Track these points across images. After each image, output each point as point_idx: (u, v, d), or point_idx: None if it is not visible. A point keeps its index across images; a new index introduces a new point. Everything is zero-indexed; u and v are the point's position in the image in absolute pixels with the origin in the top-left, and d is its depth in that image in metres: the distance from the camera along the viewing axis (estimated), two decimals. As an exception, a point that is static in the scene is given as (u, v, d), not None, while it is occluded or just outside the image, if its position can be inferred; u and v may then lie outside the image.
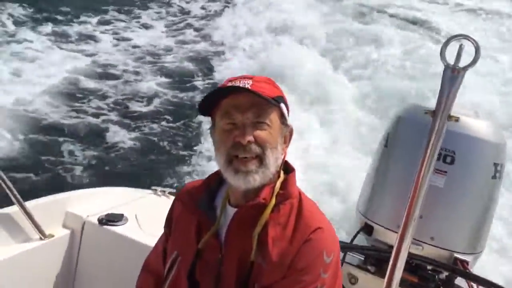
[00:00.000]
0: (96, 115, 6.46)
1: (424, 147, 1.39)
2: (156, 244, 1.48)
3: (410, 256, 1.53)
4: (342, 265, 1.92)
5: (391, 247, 1.98)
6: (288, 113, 1.31)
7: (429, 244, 1.94)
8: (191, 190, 1.38)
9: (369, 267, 2.08)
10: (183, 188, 1.44)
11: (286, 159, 1.35)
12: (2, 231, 1.89)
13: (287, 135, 1.31)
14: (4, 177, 1.85)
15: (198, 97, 7.17)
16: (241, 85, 1.22)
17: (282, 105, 1.27)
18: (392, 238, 1.99)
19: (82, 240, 2.10)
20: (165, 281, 1.33)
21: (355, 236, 2.19)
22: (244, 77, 1.26)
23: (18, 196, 1.88)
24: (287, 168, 1.35)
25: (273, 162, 1.24)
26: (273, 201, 1.26)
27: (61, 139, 5.83)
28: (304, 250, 1.22)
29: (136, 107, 6.92)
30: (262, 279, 1.22)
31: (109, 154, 5.73)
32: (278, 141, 1.26)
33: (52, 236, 2.03)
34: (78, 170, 5.29)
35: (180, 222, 1.37)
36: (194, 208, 1.32)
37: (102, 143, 5.92)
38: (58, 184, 4.91)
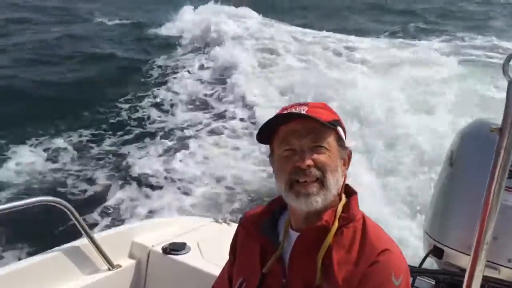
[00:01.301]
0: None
1: (492, 165, 1.32)
2: (222, 272, 1.49)
3: (486, 279, 1.44)
4: (412, 289, 1.83)
5: (464, 270, 1.88)
6: (345, 135, 1.31)
7: (506, 267, 1.82)
8: (253, 216, 1.38)
9: (440, 292, 1.97)
10: (245, 214, 1.45)
11: (346, 182, 1.33)
12: (72, 262, 1.96)
13: (346, 158, 1.30)
14: (73, 209, 1.94)
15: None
16: (297, 111, 1.24)
17: (339, 128, 1.28)
18: (465, 261, 1.87)
19: (148, 269, 2.15)
20: None
21: (424, 260, 2.09)
22: (300, 104, 1.27)
23: (87, 228, 1.96)
24: (349, 191, 1.33)
25: (334, 184, 1.24)
26: (336, 224, 1.24)
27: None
28: (372, 272, 1.19)
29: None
30: None
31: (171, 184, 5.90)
32: (338, 164, 1.26)
33: (120, 266, 2.09)
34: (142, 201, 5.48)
35: (244, 249, 1.38)
36: (258, 234, 1.33)
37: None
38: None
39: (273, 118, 1.25)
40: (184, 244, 2.17)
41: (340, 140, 1.28)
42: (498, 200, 1.36)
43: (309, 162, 1.21)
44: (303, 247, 1.25)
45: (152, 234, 2.27)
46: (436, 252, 2.03)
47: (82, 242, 2.00)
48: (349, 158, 1.31)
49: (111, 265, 2.05)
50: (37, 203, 1.88)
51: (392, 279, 1.18)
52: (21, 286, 1.78)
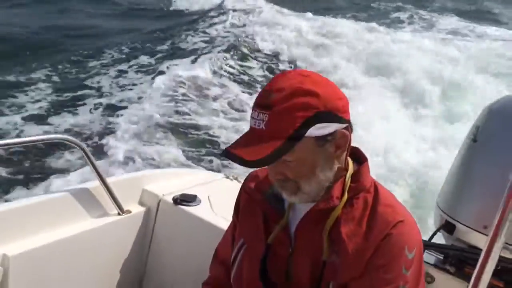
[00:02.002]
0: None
1: None
2: (226, 233, 1.48)
3: (501, 259, 1.42)
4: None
5: (474, 247, 1.87)
6: (338, 115, 1.15)
7: None
8: (258, 181, 1.35)
9: (448, 267, 1.97)
10: (250, 176, 1.41)
11: (358, 147, 1.29)
12: (82, 204, 1.97)
13: (338, 143, 1.17)
14: (87, 149, 1.92)
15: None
16: (255, 125, 1.12)
17: (312, 130, 1.11)
18: (476, 239, 1.86)
19: (157, 217, 2.16)
20: (232, 267, 1.33)
21: (434, 234, 2.07)
22: (263, 109, 1.11)
23: (99, 170, 1.95)
24: (359, 157, 1.28)
25: (313, 187, 1.18)
26: (345, 196, 1.20)
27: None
28: (384, 246, 1.16)
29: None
30: (337, 277, 1.18)
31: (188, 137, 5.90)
32: (318, 165, 1.16)
33: (129, 212, 2.09)
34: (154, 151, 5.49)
35: (247, 212, 1.35)
36: (261, 201, 1.30)
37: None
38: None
39: (224, 152, 1.16)
40: (195, 196, 2.17)
41: (318, 140, 1.14)
42: (526, 180, 1.32)
43: (278, 176, 1.18)
44: (310, 220, 1.21)
45: (163, 183, 2.27)
46: (448, 227, 2.01)
47: (93, 184, 2.00)
48: (344, 138, 1.18)
49: (121, 210, 2.06)
50: (50, 140, 1.87)
51: (405, 253, 1.16)
52: (29, 223, 1.79)
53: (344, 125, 1.16)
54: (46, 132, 5.50)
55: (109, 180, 2.02)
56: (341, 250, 1.18)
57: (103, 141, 5.63)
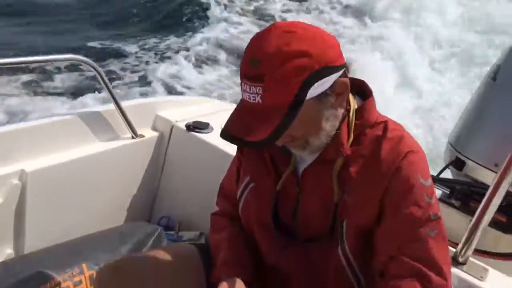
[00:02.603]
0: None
1: None
2: (229, 169, 1.46)
3: (508, 193, 1.44)
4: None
5: (483, 183, 1.89)
6: (337, 67, 1.06)
7: None
8: None
9: (453, 202, 2.01)
10: None
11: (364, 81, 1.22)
12: (98, 126, 2.00)
13: (338, 92, 1.09)
14: (102, 72, 1.92)
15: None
16: (250, 99, 1.03)
17: (310, 91, 1.03)
18: (484, 176, 1.88)
19: (169, 143, 2.19)
20: (239, 203, 1.33)
21: (443, 170, 2.10)
22: (255, 78, 1.01)
23: (114, 93, 1.96)
24: (364, 91, 1.21)
25: (322, 139, 1.13)
26: (352, 135, 1.15)
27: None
28: (397, 179, 1.11)
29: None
30: (350, 216, 1.15)
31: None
32: (323, 118, 1.09)
33: (143, 136, 2.13)
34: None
35: (253, 152, 1.32)
36: None
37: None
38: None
39: (221, 133, 1.10)
40: (207, 124, 2.19)
41: (319, 97, 1.06)
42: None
43: (285, 140, 1.10)
44: (318, 164, 1.18)
45: (176, 110, 2.28)
46: (457, 164, 2.03)
47: (107, 107, 2.02)
48: (344, 86, 1.10)
49: (135, 134, 2.09)
50: (64, 60, 1.87)
51: (421, 181, 1.11)
52: (45, 141, 1.82)
53: (341, 72, 1.08)
54: (60, 52, 5.47)
55: (123, 104, 2.03)
56: (351, 189, 1.14)
57: (117, 65, 5.61)
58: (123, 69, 5.62)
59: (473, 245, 1.45)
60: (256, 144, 1.04)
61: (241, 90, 1.05)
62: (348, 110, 1.14)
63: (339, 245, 1.17)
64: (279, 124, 1.01)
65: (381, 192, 1.11)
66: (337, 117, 1.11)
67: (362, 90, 1.21)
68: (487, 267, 1.47)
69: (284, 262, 1.23)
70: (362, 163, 1.14)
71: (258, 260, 1.29)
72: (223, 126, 1.09)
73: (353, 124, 1.15)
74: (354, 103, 1.16)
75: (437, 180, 2.01)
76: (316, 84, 1.02)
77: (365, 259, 1.18)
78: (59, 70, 5.11)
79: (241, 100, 1.08)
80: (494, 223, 1.89)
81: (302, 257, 1.22)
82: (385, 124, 1.17)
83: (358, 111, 1.16)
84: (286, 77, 1.00)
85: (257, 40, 1.04)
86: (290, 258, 1.23)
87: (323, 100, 1.06)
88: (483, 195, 1.43)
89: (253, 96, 1.02)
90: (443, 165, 2.10)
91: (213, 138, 2.11)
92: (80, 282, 1.55)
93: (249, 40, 1.07)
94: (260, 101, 1.01)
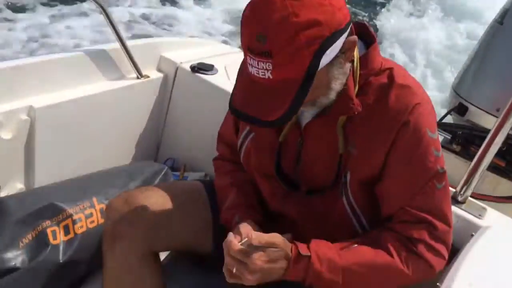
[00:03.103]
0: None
1: None
2: (227, 117, 1.45)
3: (508, 137, 1.46)
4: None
5: (484, 128, 1.92)
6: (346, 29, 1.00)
7: None
8: None
9: (454, 147, 2.04)
10: None
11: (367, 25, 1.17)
12: (103, 65, 1.99)
13: (346, 50, 1.03)
14: (109, 11, 1.90)
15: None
16: (259, 74, 0.96)
17: (322, 60, 0.96)
18: (487, 121, 1.91)
19: (174, 84, 2.19)
20: (239, 152, 1.33)
21: (445, 115, 2.13)
22: (263, 53, 0.93)
23: (121, 34, 1.95)
24: (368, 37, 1.15)
25: (331, 97, 1.08)
26: (357, 86, 1.11)
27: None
28: (404, 135, 1.09)
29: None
30: (355, 167, 1.14)
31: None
32: (333, 79, 1.05)
33: (148, 76, 2.13)
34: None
35: None
36: None
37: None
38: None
39: (232, 111, 1.04)
40: (212, 65, 2.18)
41: (329, 63, 1.00)
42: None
43: None
44: (323, 117, 1.15)
45: (181, 51, 2.27)
46: (460, 109, 2.05)
47: (112, 46, 2.01)
48: (353, 43, 1.03)
49: (140, 74, 2.09)
50: None
51: (428, 135, 1.10)
52: (51, 78, 1.82)
53: (349, 30, 1.01)
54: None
55: (128, 44, 2.02)
56: (357, 140, 1.12)
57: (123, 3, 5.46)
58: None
59: (473, 185, 1.49)
60: (272, 124, 0.97)
61: (246, 63, 0.98)
62: (352, 61, 1.09)
63: (344, 195, 1.18)
64: (294, 100, 0.95)
65: (388, 145, 1.10)
66: (345, 74, 1.07)
67: (364, 34, 1.14)
68: (486, 206, 1.52)
69: (287, 210, 1.25)
70: (368, 114, 1.10)
71: (264, 206, 1.31)
72: (231, 94, 1.04)
73: (358, 73, 1.11)
74: (357, 52, 1.11)
75: (439, 125, 2.04)
76: (327, 51, 0.96)
77: (370, 207, 1.20)
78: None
79: (241, 69, 1.02)
80: (493, 168, 1.94)
81: (305, 207, 1.23)
82: (391, 71, 1.12)
83: (362, 59, 1.11)
84: (297, 50, 0.92)
85: (259, 10, 0.93)
86: (293, 207, 1.24)
87: (334, 63, 1.01)
88: (484, 139, 1.46)
89: (262, 72, 0.94)
90: (447, 108, 2.13)
91: (218, 79, 2.11)
92: (91, 214, 1.59)
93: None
94: (271, 76, 0.94)
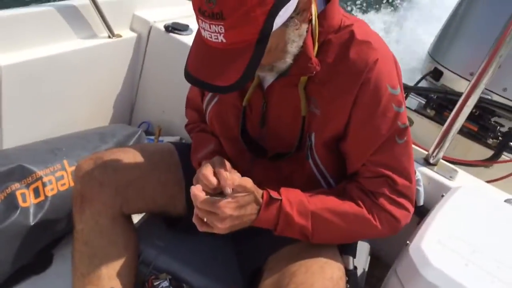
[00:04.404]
0: None
1: None
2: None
3: (480, 100, 1.48)
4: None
5: (458, 92, 1.94)
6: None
7: (499, 95, 1.88)
8: None
9: (428, 111, 2.06)
10: None
11: None
12: (73, 22, 1.90)
13: (301, 9, 0.99)
14: None
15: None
16: (212, 38, 0.93)
17: (276, 20, 0.93)
18: (461, 86, 1.93)
19: (148, 44, 2.13)
20: (205, 116, 1.33)
21: (420, 80, 2.14)
22: (215, 15, 0.89)
23: None
24: None
25: (288, 61, 1.06)
26: (316, 45, 1.08)
27: None
28: (364, 92, 1.08)
29: None
30: (319, 128, 1.14)
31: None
32: (289, 41, 1.02)
33: (120, 36, 2.06)
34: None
35: None
36: None
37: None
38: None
39: (185, 75, 1.01)
40: (187, 25, 2.12)
41: (284, 23, 0.97)
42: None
43: None
44: (283, 78, 1.13)
45: (155, 10, 2.20)
46: (435, 74, 2.06)
47: (83, 1, 1.92)
48: (308, 2, 1.00)
49: (112, 33, 2.01)
50: None
51: (389, 91, 1.09)
52: (18, 35, 1.73)
53: None
54: None
55: (99, 0, 1.94)
56: (319, 100, 1.11)
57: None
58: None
59: (445, 147, 1.51)
60: (227, 89, 0.94)
61: (198, 26, 0.95)
62: (310, 20, 1.05)
63: (310, 157, 1.18)
64: (249, 64, 0.92)
65: (350, 103, 1.09)
66: (301, 36, 1.04)
67: None
68: (457, 168, 1.55)
69: (254, 174, 1.23)
70: (329, 73, 1.09)
71: None
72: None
73: (317, 32, 1.07)
74: (315, 9, 1.07)
75: (414, 88, 2.05)
76: (281, 12, 0.92)
77: (337, 167, 1.21)
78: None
79: (197, 33, 0.99)
80: (466, 133, 1.97)
81: (272, 171, 1.23)
82: (351, 27, 1.10)
83: (321, 16, 1.08)
84: (249, 10, 0.88)
85: None
86: (260, 172, 1.24)
87: (289, 25, 0.98)
88: (457, 103, 1.47)
89: (214, 35, 0.92)
90: (421, 74, 2.14)
91: (192, 40, 2.06)
92: (62, 177, 1.56)
93: None
94: (224, 40, 0.91)
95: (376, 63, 1.07)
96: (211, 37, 0.92)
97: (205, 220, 1.04)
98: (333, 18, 1.09)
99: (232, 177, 1.07)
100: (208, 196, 1.04)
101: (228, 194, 1.05)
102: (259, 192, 1.09)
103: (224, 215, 1.03)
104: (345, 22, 1.11)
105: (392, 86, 1.10)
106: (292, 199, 1.11)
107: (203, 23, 0.92)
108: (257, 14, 0.89)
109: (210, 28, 0.91)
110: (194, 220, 1.07)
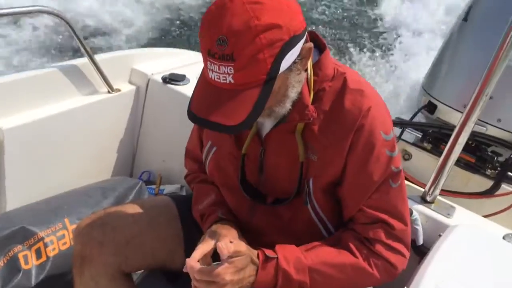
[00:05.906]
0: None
1: (510, 23, 1.27)
2: (192, 133, 1.46)
3: (473, 133, 1.49)
4: (398, 141, 1.91)
5: (453, 125, 1.94)
6: (303, 36, 1.01)
7: (494, 126, 1.88)
8: None
9: (425, 145, 2.07)
10: None
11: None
12: (73, 81, 1.97)
13: (303, 56, 1.04)
14: (74, 24, 1.88)
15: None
16: (220, 79, 0.95)
17: (283, 64, 0.97)
18: (455, 118, 1.93)
19: (147, 96, 2.19)
20: (205, 166, 1.35)
21: (415, 114, 2.15)
22: (225, 57, 0.92)
23: (88, 49, 1.93)
24: (319, 45, 1.15)
25: (287, 106, 1.08)
26: (312, 93, 1.12)
27: None
28: (359, 138, 1.12)
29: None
30: (317, 174, 1.16)
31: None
32: (290, 86, 1.05)
33: (119, 90, 2.12)
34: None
35: None
36: None
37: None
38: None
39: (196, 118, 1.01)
40: (184, 75, 2.18)
41: (288, 68, 1.00)
42: (506, 59, 1.34)
43: None
44: (282, 126, 1.16)
45: (152, 62, 2.26)
46: (430, 107, 2.08)
47: (81, 61, 1.99)
48: (309, 50, 1.04)
49: (111, 88, 2.07)
50: (32, 12, 1.80)
51: (382, 136, 1.13)
52: (20, 98, 1.80)
53: (305, 36, 1.03)
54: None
55: (97, 58, 2.00)
56: (317, 147, 1.14)
57: (90, 17, 5.41)
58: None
59: (441, 184, 1.51)
60: (236, 128, 0.95)
61: (206, 68, 0.97)
62: (306, 69, 1.09)
63: (308, 203, 1.19)
64: (256, 104, 0.95)
65: (346, 149, 1.12)
66: (300, 82, 1.07)
67: (315, 42, 1.14)
68: (454, 205, 1.54)
69: (254, 221, 1.26)
70: (325, 120, 1.13)
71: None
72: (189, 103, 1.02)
73: (312, 80, 1.12)
74: (311, 60, 1.11)
75: (410, 124, 2.06)
76: (287, 56, 0.97)
77: (335, 213, 1.23)
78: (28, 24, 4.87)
79: (202, 74, 1.02)
80: (464, 164, 1.97)
81: (272, 217, 1.24)
82: (344, 76, 1.14)
83: (316, 66, 1.13)
84: (258, 54, 0.92)
85: (219, 14, 0.93)
86: (260, 218, 1.26)
87: (292, 69, 1.02)
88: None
89: (223, 76, 0.94)
90: (417, 107, 2.15)
91: (190, 89, 2.09)
92: (63, 236, 1.58)
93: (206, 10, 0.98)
94: (232, 81, 0.94)
95: (369, 111, 1.11)
96: (219, 78, 0.95)
97: None
98: (327, 67, 1.14)
99: (226, 245, 1.07)
100: (204, 266, 1.04)
101: (223, 259, 1.04)
102: (254, 252, 1.10)
103: (224, 282, 1.03)
104: (338, 71, 1.15)
105: (385, 132, 1.14)
106: (289, 255, 1.12)
107: (212, 64, 0.94)
108: (266, 56, 0.93)
109: (219, 69, 0.94)
110: None
